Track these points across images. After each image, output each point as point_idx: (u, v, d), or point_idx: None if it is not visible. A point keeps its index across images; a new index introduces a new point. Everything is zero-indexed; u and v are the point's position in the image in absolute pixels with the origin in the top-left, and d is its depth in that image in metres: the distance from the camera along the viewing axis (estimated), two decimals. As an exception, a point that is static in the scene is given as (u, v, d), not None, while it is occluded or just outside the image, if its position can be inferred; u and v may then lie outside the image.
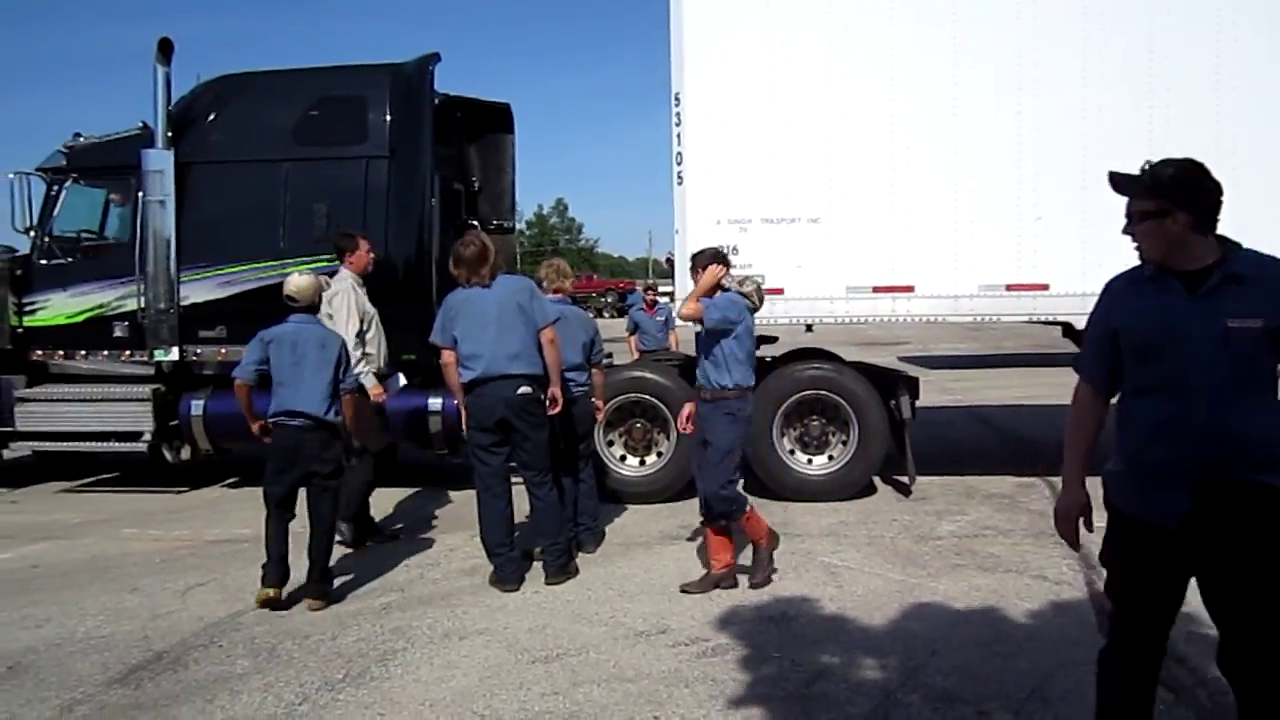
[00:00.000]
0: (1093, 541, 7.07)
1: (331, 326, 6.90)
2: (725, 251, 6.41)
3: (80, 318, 9.52)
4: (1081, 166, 8.02)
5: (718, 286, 6.21)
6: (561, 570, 6.45)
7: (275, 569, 6.08)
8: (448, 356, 6.37)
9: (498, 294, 6.33)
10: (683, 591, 6.06)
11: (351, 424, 6.30)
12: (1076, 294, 8.12)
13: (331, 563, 6.38)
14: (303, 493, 6.24)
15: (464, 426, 6.52)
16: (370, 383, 7.06)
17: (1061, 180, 8.08)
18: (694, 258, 6.45)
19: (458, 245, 6.51)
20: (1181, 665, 4.84)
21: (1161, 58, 7.96)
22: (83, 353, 9.59)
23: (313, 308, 6.32)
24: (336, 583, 6.42)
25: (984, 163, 8.17)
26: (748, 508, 6.31)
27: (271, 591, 6.03)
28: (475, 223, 10.06)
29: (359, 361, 6.97)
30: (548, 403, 6.42)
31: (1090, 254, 8.05)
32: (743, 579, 6.26)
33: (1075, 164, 8.04)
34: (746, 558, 6.44)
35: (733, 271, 7.02)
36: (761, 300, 6.40)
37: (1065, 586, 6.09)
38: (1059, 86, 8.07)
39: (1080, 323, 8.18)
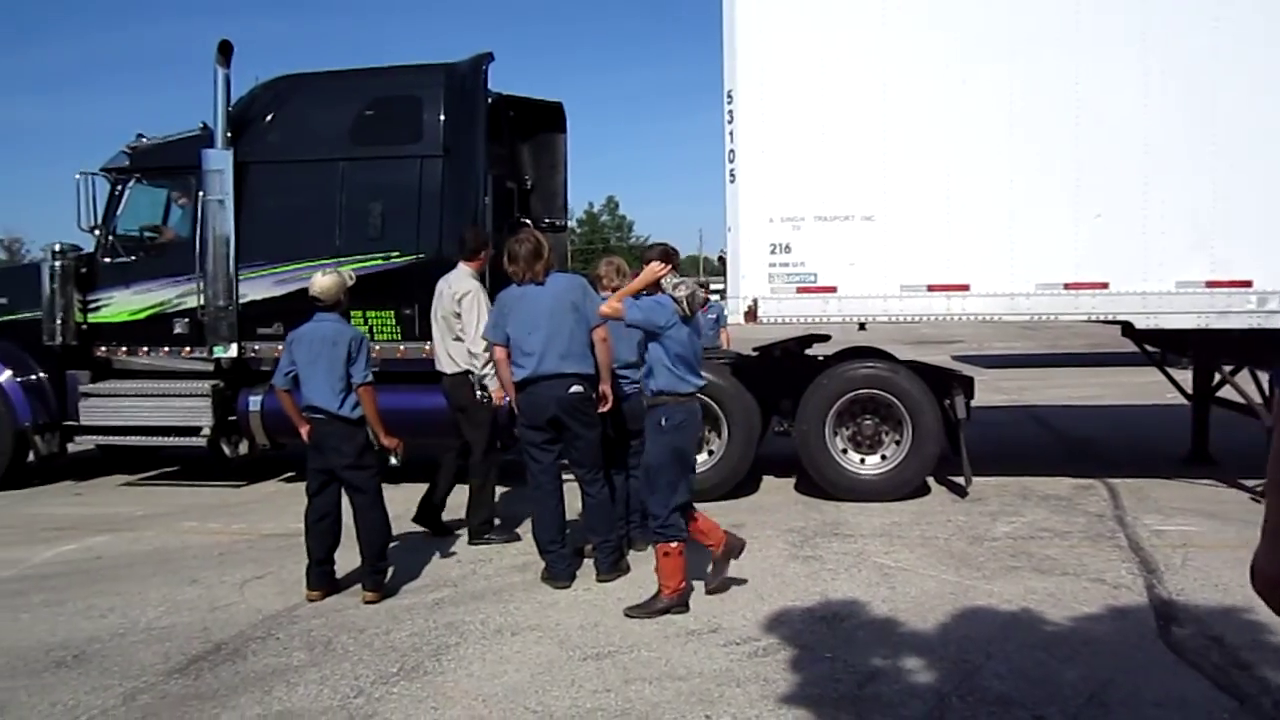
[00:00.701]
0: (1152, 545, 6.99)
1: (459, 326, 7.10)
2: (672, 250, 6.10)
3: (142, 315, 9.72)
4: (1142, 163, 7.88)
5: (657, 286, 5.92)
6: (613, 567, 6.47)
7: (315, 572, 6.25)
8: (500, 353, 6.41)
9: (551, 292, 6.35)
10: (627, 616, 5.72)
11: (371, 417, 6.26)
12: (1137, 293, 7.99)
13: (390, 554, 6.46)
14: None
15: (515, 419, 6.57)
16: (493, 386, 7.04)
17: (1122, 177, 7.93)
18: (643, 253, 6.31)
19: (512, 242, 6.54)
20: (1246, 673, 4.75)
21: (1227, 55, 7.77)
22: (144, 349, 9.80)
23: (337, 305, 6.35)
24: (389, 579, 6.48)
25: (1042, 159, 8.04)
26: (684, 535, 5.89)
27: (314, 594, 6.19)
28: (528, 221, 10.12)
29: (485, 364, 7.01)
30: (599, 401, 6.44)
31: (1153, 252, 7.93)
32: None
33: (1136, 161, 7.90)
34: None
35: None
36: (692, 309, 5.86)
37: (1124, 590, 5.99)
38: (1119, 82, 7.91)
39: (1140, 322, 8.07)
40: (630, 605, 5.82)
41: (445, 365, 7.47)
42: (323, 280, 6.33)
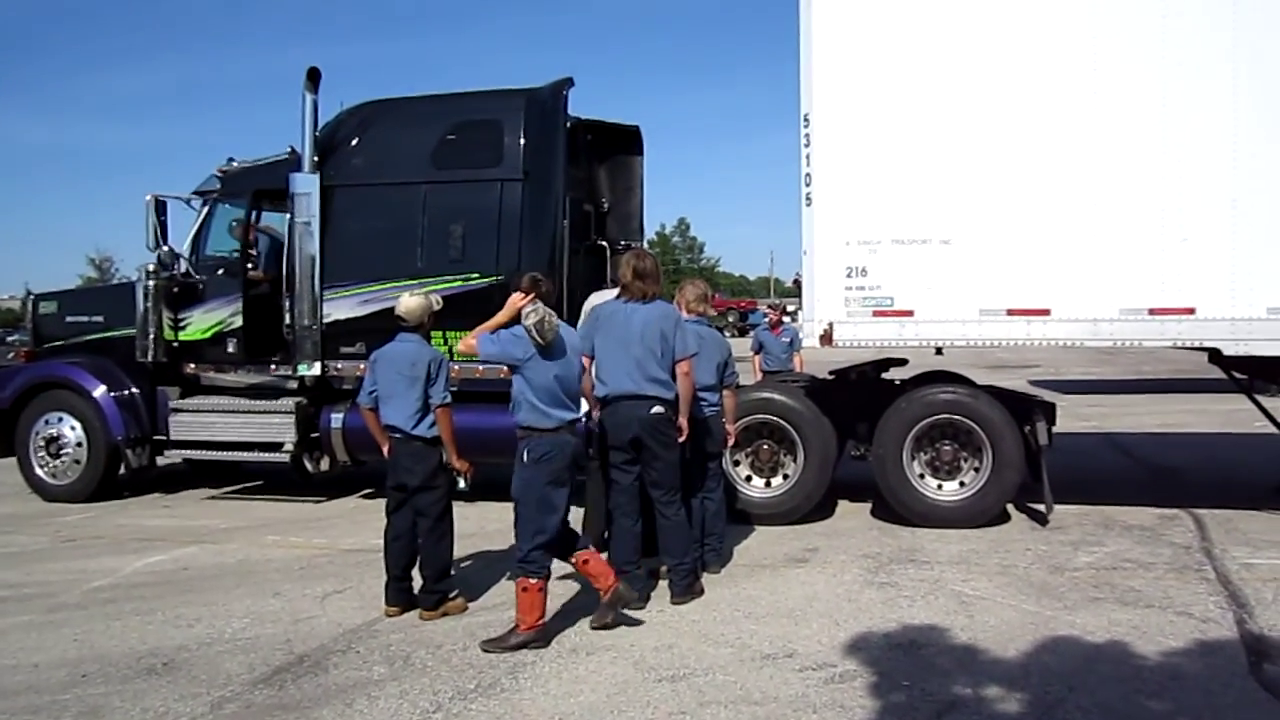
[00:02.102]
0: (1242, 578, 6.80)
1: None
2: (538, 278, 5.96)
3: (209, 333, 10.14)
4: (1231, 185, 7.71)
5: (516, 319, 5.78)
6: (687, 590, 6.47)
7: (393, 588, 6.39)
8: (584, 363, 6.44)
9: (644, 316, 6.40)
10: (483, 650, 5.58)
11: (446, 439, 6.33)
12: (1225, 319, 7.79)
13: (467, 572, 6.55)
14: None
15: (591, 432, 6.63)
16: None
17: (1209, 199, 7.76)
18: (512, 282, 6.22)
19: (634, 258, 6.64)
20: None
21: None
22: (230, 366, 10.10)
23: (420, 327, 6.49)
24: (467, 596, 6.56)
25: (1126, 180, 7.90)
26: (544, 572, 5.72)
27: (393, 610, 6.32)
28: (604, 243, 10.22)
29: None
30: (676, 431, 6.48)
31: (1240, 276, 7.74)
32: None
33: (1224, 183, 7.73)
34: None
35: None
36: (544, 338, 5.65)
37: (1212, 625, 5.82)
38: (1208, 101, 7.75)
39: (1229, 348, 7.87)
40: (487, 640, 5.67)
41: None
42: (409, 301, 6.47)
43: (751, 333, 14.58)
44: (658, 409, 6.32)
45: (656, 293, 6.53)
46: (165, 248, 10.12)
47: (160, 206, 10.13)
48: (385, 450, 6.44)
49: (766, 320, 13.82)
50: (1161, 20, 7.83)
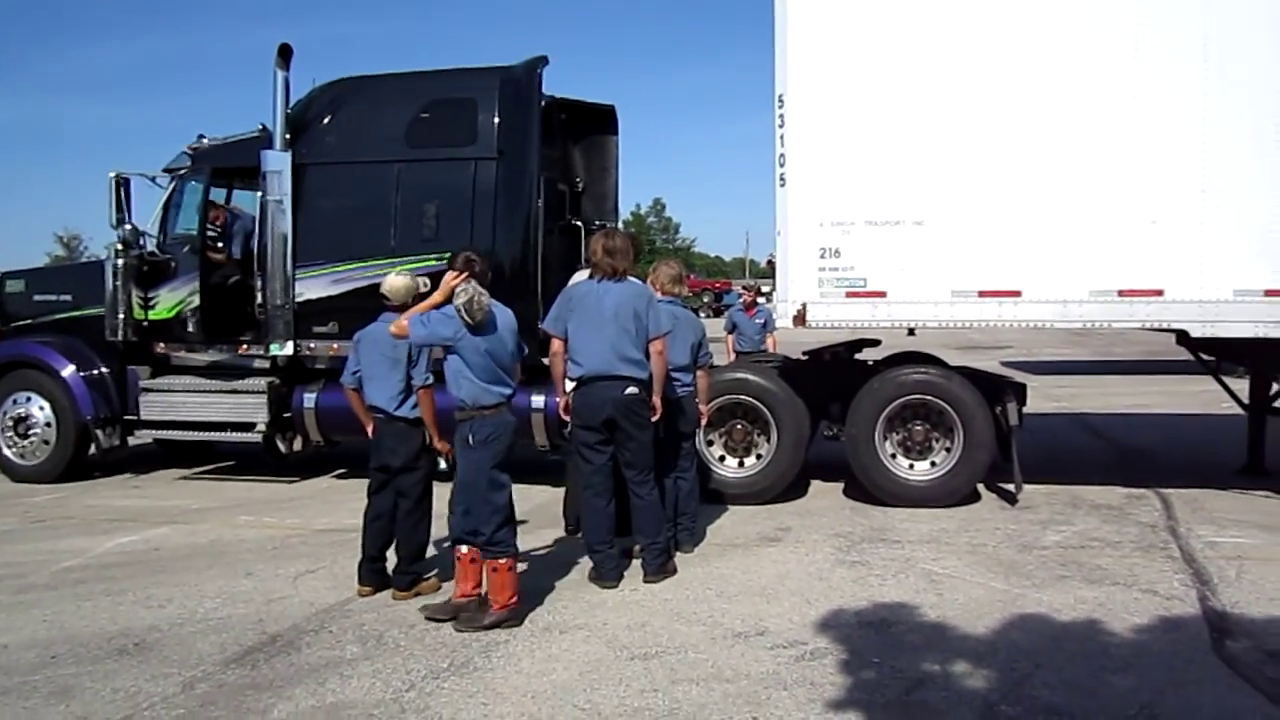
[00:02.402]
0: (1206, 557, 6.92)
1: None
2: (472, 257, 5.86)
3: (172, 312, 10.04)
4: (1201, 171, 7.78)
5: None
6: (660, 570, 6.51)
7: (367, 568, 6.38)
8: (556, 345, 6.47)
9: (617, 296, 6.39)
10: (457, 630, 5.59)
11: (428, 420, 6.25)
12: (1193, 300, 7.89)
13: (441, 551, 6.56)
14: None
15: (563, 416, 6.64)
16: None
17: (1178, 183, 7.84)
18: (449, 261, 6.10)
19: (603, 236, 6.63)
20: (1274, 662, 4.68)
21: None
22: (201, 345, 10.02)
23: (404, 308, 6.30)
24: (439, 574, 6.59)
25: (1096, 164, 7.96)
26: (513, 550, 5.77)
27: (365, 589, 6.32)
28: (579, 223, 10.20)
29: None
30: (649, 411, 6.50)
31: (1208, 259, 7.83)
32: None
33: (1193, 167, 7.80)
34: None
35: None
36: (472, 316, 5.58)
37: (1176, 602, 5.92)
38: (1177, 89, 7.81)
39: (1196, 330, 7.97)
40: (460, 619, 5.65)
41: None
42: (394, 280, 6.42)
43: (725, 313, 14.63)
44: (632, 389, 6.33)
45: (627, 269, 6.50)
46: (128, 225, 10.01)
47: (123, 184, 10.03)
48: (369, 430, 6.41)
49: (741, 301, 13.86)
50: (1134, 5, 7.88)
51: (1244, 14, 7.72)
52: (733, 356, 12.50)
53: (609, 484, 6.50)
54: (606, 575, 6.40)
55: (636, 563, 6.63)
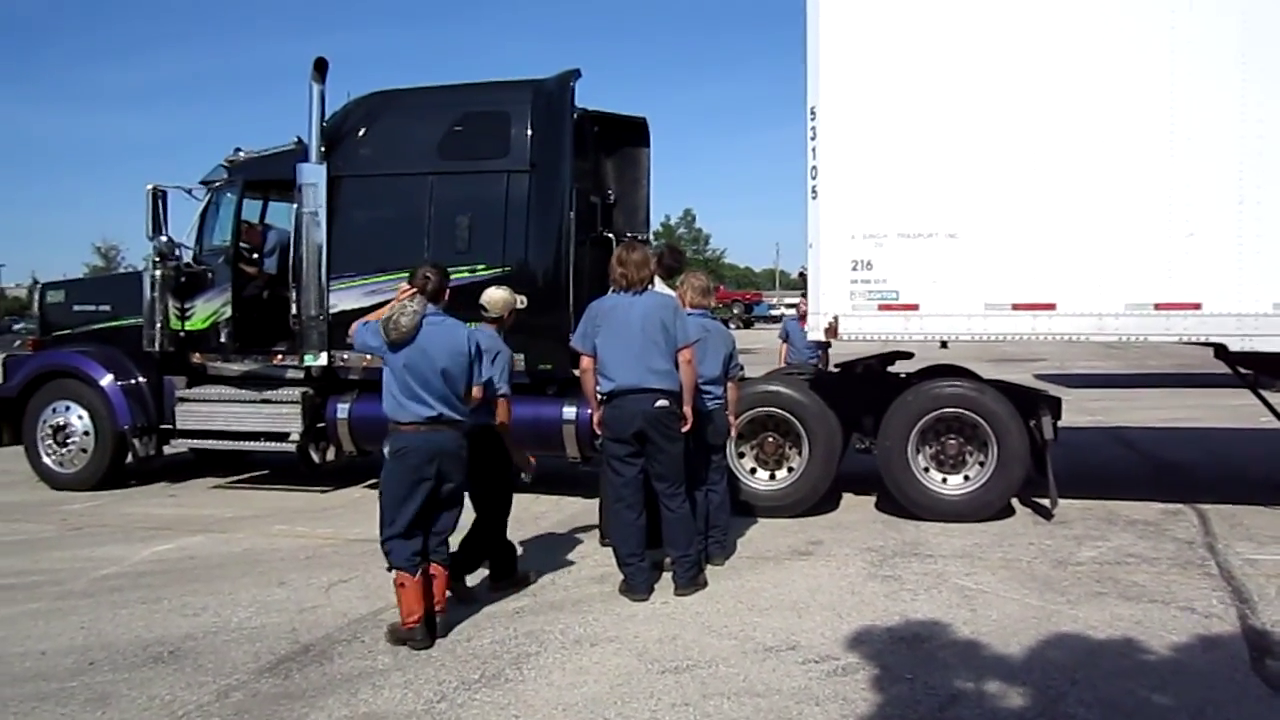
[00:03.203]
0: (1245, 574, 6.81)
1: None
2: (430, 274, 5.85)
3: (206, 323, 10.17)
4: (1238, 183, 7.69)
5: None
6: (691, 582, 6.49)
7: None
8: (586, 363, 6.49)
9: (643, 307, 6.41)
10: (386, 637, 5.63)
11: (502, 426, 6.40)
12: (1231, 314, 7.78)
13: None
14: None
15: (596, 432, 6.65)
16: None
17: (1216, 195, 7.75)
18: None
19: (622, 249, 6.66)
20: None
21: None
22: (236, 356, 10.14)
23: (500, 321, 6.58)
24: (470, 584, 6.62)
25: (1133, 176, 7.88)
26: (400, 566, 5.64)
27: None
28: (611, 235, 10.22)
29: None
30: (682, 418, 6.50)
31: (1247, 272, 7.73)
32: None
33: (1231, 180, 7.71)
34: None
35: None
36: (388, 333, 5.59)
37: (1215, 620, 5.84)
38: (1215, 100, 7.73)
39: (1235, 344, 7.86)
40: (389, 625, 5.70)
41: None
42: (494, 293, 6.60)
43: (782, 320, 14.77)
44: (662, 402, 6.33)
45: (644, 279, 6.49)
46: (164, 237, 10.14)
47: (161, 196, 10.15)
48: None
49: (795, 311, 13.85)
50: (1170, 16, 7.80)
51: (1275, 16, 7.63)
52: (784, 364, 12.47)
53: (639, 496, 6.49)
54: (637, 588, 6.39)
55: (667, 575, 6.62)
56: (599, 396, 6.49)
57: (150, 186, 10.10)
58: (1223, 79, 7.71)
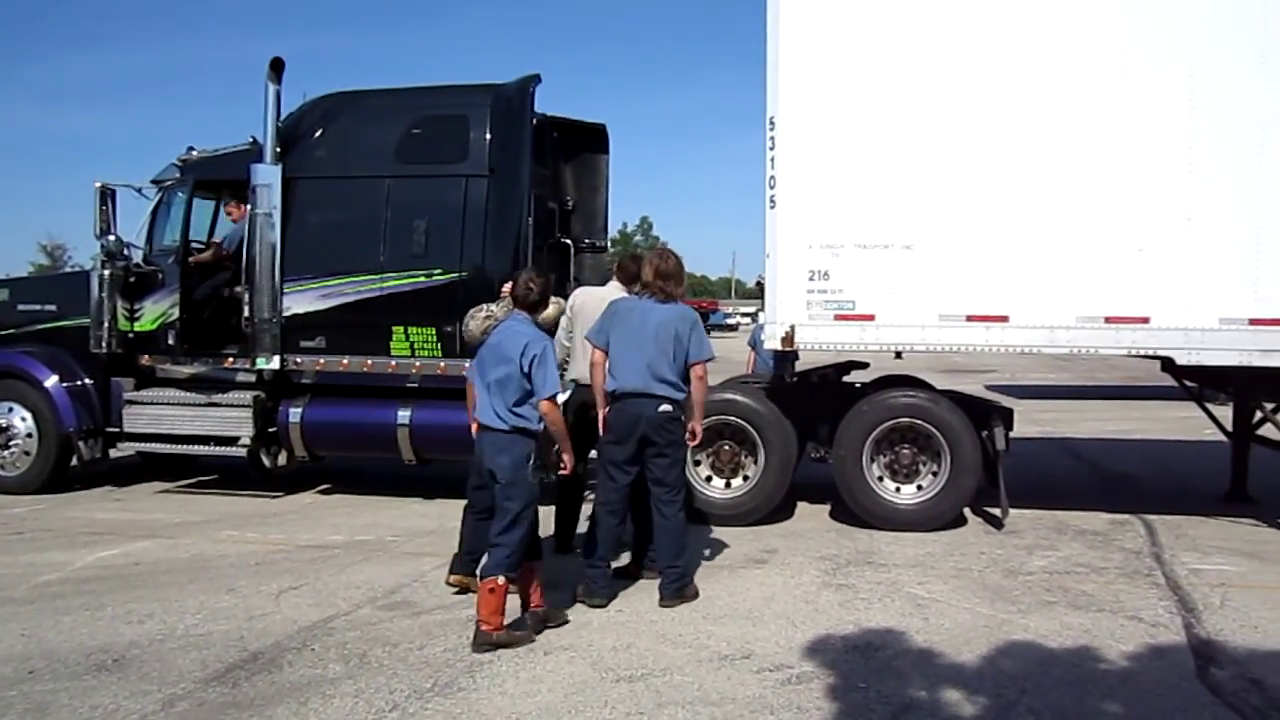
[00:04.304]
0: (1190, 583, 6.93)
1: None
2: (525, 282, 6.06)
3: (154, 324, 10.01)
4: (1187, 197, 7.84)
5: None
6: (677, 593, 6.41)
7: (464, 559, 6.50)
8: (598, 357, 6.48)
9: (660, 316, 6.39)
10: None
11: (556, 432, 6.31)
12: (1179, 328, 7.92)
13: (426, 569, 6.52)
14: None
15: (601, 431, 6.56)
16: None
17: (1165, 212, 7.89)
18: None
19: (657, 256, 6.67)
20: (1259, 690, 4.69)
21: (1274, 90, 7.72)
22: (187, 358, 9.96)
23: (548, 331, 6.49)
24: (423, 594, 6.59)
25: (1083, 192, 8.01)
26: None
27: (455, 578, 6.51)
28: (569, 241, 10.22)
29: None
30: (687, 435, 6.50)
31: (1195, 287, 7.87)
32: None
33: (1180, 194, 7.86)
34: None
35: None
36: (465, 335, 6.16)
37: (1161, 629, 5.93)
38: (1164, 116, 7.87)
39: (1182, 357, 8.00)
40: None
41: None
42: (549, 312, 6.52)
43: (752, 328, 14.84)
44: (665, 407, 6.32)
45: (678, 295, 6.54)
46: (113, 236, 9.95)
47: (109, 195, 9.96)
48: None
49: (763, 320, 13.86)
50: (1122, 35, 7.94)
51: (1228, 42, 7.79)
52: (751, 371, 12.50)
53: (626, 506, 6.51)
54: (596, 593, 6.35)
55: (640, 584, 6.56)
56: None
57: (98, 184, 9.92)
58: (1172, 94, 7.86)
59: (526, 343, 5.72)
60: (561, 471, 6.23)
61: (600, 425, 6.57)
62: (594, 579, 6.40)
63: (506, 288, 6.27)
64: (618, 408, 6.38)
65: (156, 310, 10.01)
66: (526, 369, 5.68)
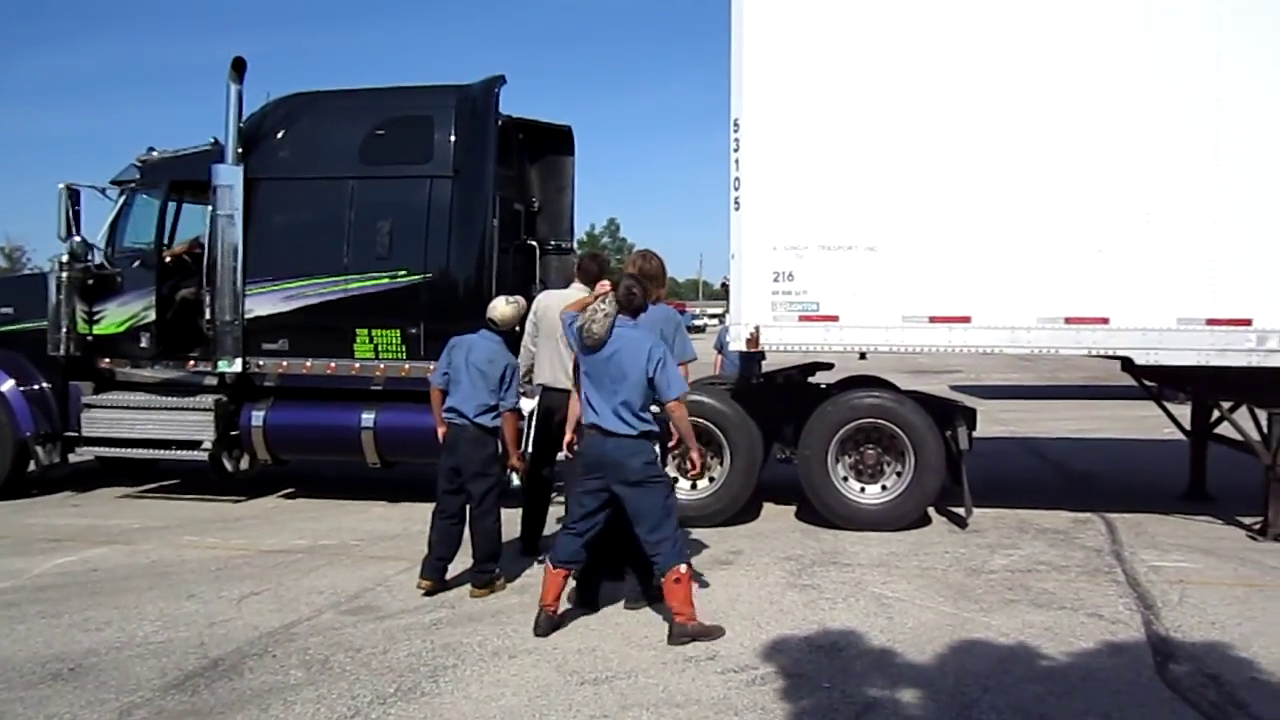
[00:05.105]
0: (1150, 580, 7.01)
1: None
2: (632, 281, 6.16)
3: (124, 327, 9.85)
4: (1145, 199, 7.94)
5: None
6: (641, 595, 6.38)
7: (432, 564, 6.66)
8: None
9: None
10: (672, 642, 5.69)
11: (510, 439, 6.70)
12: (1138, 328, 8.02)
13: (390, 573, 6.47)
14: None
15: (566, 446, 6.55)
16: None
17: (1124, 213, 7.99)
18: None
19: (639, 257, 6.70)
20: (1243, 711, 4.76)
21: (1229, 95, 7.84)
22: (147, 361, 9.83)
23: (508, 333, 6.77)
24: (386, 598, 6.54)
25: (1045, 194, 8.09)
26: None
27: (426, 583, 6.63)
28: (534, 243, 10.19)
29: None
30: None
31: (1153, 288, 7.97)
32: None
33: (1138, 196, 7.96)
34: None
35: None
36: (588, 339, 5.91)
37: (1121, 626, 6.00)
38: (1122, 118, 7.97)
39: (1140, 357, 8.10)
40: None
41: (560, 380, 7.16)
42: (504, 309, 6.78)
43: (719, 330, 14.86)
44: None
45: (660, 295, 6.53)
46: (77, 238, 9.82)
47: (74, 196, 9.83)
48: (440, 434, 6.68)
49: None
50: (1081, 39, 8.03)
51: (1184, 45, 7.90)
52: (718, 373, 12.51)
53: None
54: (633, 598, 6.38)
55: (601, 588, 6.52)
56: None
57: (63, 185, 9.77)
58: (1131, 101, 7.96)
59: (650, 348, 5.83)
60: (514, 473, 6.58)
61: (566, 445, 6.51)
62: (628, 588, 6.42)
63: (603, 286, 6.37)
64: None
65: (125, 312, 9.85)
66: (652, 374, 5.78)
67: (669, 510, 5.86)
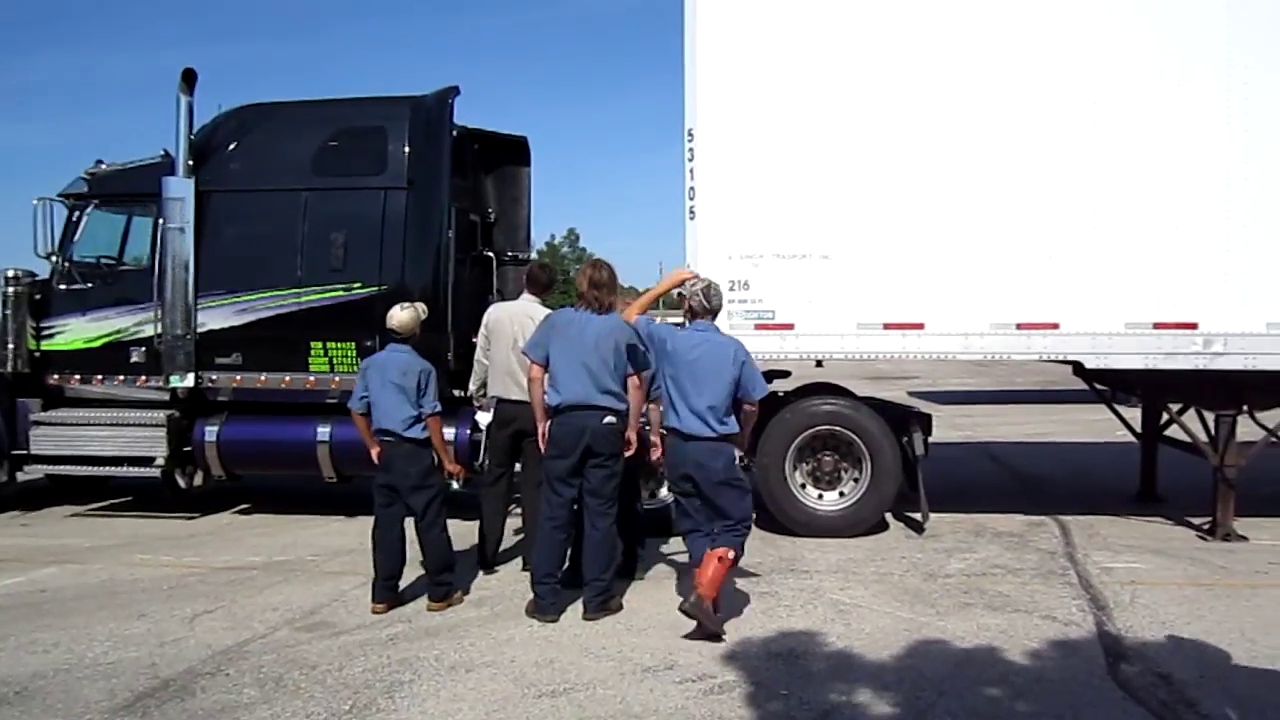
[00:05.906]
0: (1102, 582, 7.09)
1: None
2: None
3: (98, 343, 9.60)
4: (1092, 206, 8.07)
5: None
6: (601, 607, 6.38)
7: (381, 586, 6.62)
8: (535, 372, 6.45)
9: (599, 327, 6.35)
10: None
11: (438, 445, 6.67)
12: (1087, 333, 8.14)
13: (346, 588, 6.41)
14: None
15: (541, 448, 6.53)
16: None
17: (1072, 220, 8.11)
18: None
19: (590, 266, 6.66)
20: (1192, 710, 4.83)
21: (1172, 105, 7.99)
22: (99, 377, 9.66)
23: (412, 338, 6.71)
24: (342, 614, 6.47)
25: (994, 201, 8.20)
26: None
27: (379, 606, 6.57)
28: (491, 254, 10.15)
29: None
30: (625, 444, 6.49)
31: (1102, 293, 8.10)
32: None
33: (1085, 204, 8.08)
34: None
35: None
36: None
37: (1074, 627, 6.07)
38: (1069, 128, 8.10)
39: (1090, 362, 8.23)
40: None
41: (512, 392, 7.27)
42: (401, 315, 6.71)
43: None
44: (610, 419, 6.30)
45: (613, 304, 6.53)
46: (54, 255, 9.63)
47: (49, 210, 9.63)
48: (374, 454, 6.64)
49: None
50: (1031, 47, 8.15)
51: (1127, 53, 8.03)
52: None
53: (571, 518, 6.47)
54: (547, 609, 6.31)
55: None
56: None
57: (37, 200, 9.58)
58: (1077, 109, 8.09)
59: (734, 350, 6.13)
60: (455, 480, 6.72)
61: (541, 440, 6.50)
62: (543, 595, 6.35)
63: (683, 272, 6.72)
64: (560, 420, 6.33)
65: (67, 328, 9.65)
66: (737, 374, 6.05)
67: (747, 511, 6.15)
